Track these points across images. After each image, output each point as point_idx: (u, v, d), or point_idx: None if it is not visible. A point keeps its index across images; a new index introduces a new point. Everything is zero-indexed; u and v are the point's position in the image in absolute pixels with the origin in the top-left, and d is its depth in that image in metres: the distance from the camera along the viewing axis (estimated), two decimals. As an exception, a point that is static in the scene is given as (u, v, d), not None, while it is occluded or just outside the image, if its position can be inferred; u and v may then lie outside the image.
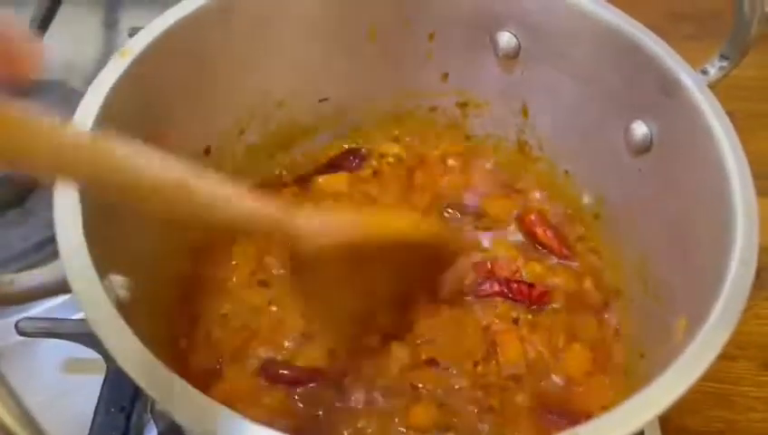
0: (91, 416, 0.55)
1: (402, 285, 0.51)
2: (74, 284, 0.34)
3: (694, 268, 0.44)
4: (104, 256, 0.36)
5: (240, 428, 0.30)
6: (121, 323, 0.33)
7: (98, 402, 0.56)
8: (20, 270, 0.58)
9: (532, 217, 0.60)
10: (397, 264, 0.47)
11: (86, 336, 0.54)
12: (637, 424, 0.32)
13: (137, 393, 0.57)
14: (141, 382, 0.31)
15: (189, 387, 0.31)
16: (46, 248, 0.63)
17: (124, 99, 0.44)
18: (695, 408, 0.60)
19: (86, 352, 0.56)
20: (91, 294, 0.34)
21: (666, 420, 0.57)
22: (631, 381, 0.50)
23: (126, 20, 0.83)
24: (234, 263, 0.57)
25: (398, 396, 0.49)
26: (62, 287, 0.36)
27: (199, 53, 0.51)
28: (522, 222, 0.61)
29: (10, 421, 0.24)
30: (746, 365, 0.63)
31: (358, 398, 0.49)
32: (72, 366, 0.59)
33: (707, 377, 0.61)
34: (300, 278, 0.46)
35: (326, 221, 0.43)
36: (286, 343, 0.52)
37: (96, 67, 0.76)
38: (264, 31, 0.55)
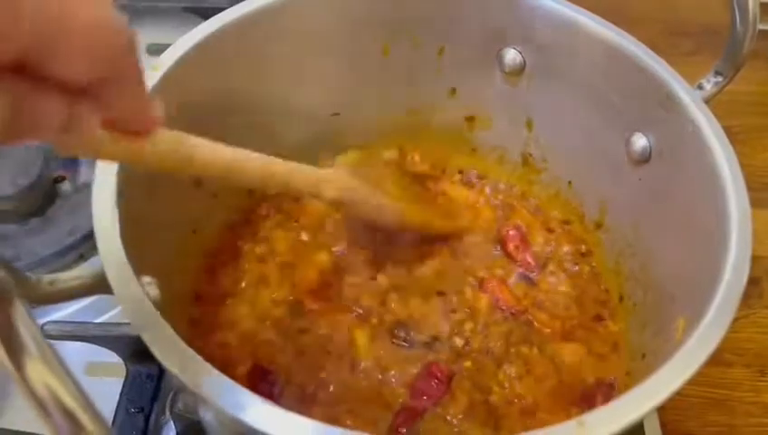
0: (112, 417, 0.57)
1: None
2: (113, 282, 0.36)
3: (691, 274, 0.46)
4: (138, 257, 0.38)
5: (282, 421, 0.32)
6: (160, 319, 0.35)
7: (118, 404, 0.58)
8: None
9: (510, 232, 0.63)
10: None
11: (108, 339, 0.57)
12: (635, 415, 0.34)
13: (156, 394, 0.59)
14: (184, 377, 0.33)
15: (225, 377, 0.33)
16: (67, 256, 0.66)
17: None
18: (694, 413, 0.62)
19: (107, 355, 0.58)
20: (129, 292, 0.36)
21: (666, 424, 0.59)
22: (634, 380, 0.52)
23: (142, 36, 0.84)
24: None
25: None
26: (99, 286, 0.38)
27: (219, 71, 0.54)
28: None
29: (71, 403, 0.26)
30: (744, 371, 0.65)
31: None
32: (94, 369, 0.61)
33: (707, 383, 0.63)
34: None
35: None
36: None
37: None
38: (280, 47, 0.58)
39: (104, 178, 0.41)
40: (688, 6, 0.92)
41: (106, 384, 0.59)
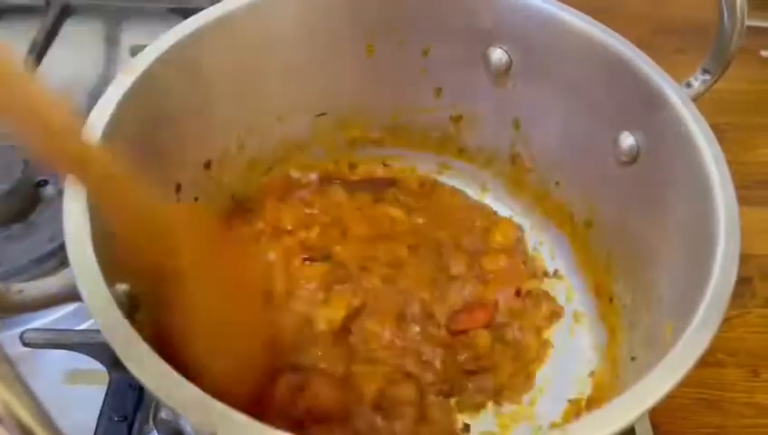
0: (94, 426, 0.56)
1: None
2: (84, 291, 0.35)
3: (679, 274, 0.46)
4: (111, 265, 0.37)
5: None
6: (130, 329, 0.34)
7: (101, 412, 0.57)
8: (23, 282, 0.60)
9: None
10: None
11: (90, 346, 0.56)
12: (626, 420, 0.33)
13: (139, 403, 0.58)
14: (152, 386, 0.32)
15: (199, 391, 0.32)
16: (49, 262, 0.64)
17: (128, 116, 0.45)
18: (686, 414, 0.61)
19: (89, 363, 0.57)
20: (99, 301, 0.35)
21: (658, 426, 0.58)
22: (623, 382, 0.51)
23: (127, 37, 0.85)
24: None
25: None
26: (70, 296, 0.37)
27: (199, 71, 0.53)
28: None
29: (28, 420, 0.25)
30: (736, 372, 0.64)
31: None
32: (75, 377, 0.60)
33: (699, 384, 0.63)
34: None
35: None
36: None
37: (98, 83, 0.80)
38: (263, 48, 0.57)
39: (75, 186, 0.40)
40: (675, 3, 0.91)
41: (88, 393, 0.58)
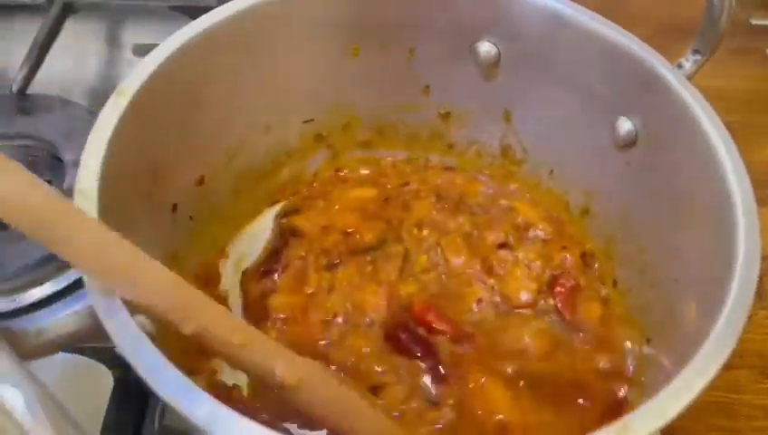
0: (99, 430, 0.54)
1: None
2: (105, 321, 0.34)
3: (695, 254, 0.46)
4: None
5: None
6: (162, 358, 0.33)
7: (105, 415, 0.55)
8: (20, 287, 0.59)
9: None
10: None
11: (96, 349, 0.55)
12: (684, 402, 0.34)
13: (144, 406, 0.56)
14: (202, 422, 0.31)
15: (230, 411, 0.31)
16: (46, 266, 0.61)
17: (126, 138, 0.44)
18: (696, 416, 0.60)
19: (94, 367, 0.56)
20: (126, 331, 0.34)
21: (667, 429, 0.58)
22: (641, 365, 0.52)
23: (129, 36, 0.83)
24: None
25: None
26: (91, 330, 0.36)
27: (188, 86, 0.51)
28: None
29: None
30: (746, 373, 0.63)
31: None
32: (81, 380, 0.58)
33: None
34: None
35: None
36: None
37: (99, 83, 0.79)
38: (248, 58, 0.55)
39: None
40: (679, 3, 0.90)
41: (93, 396, 0.56)
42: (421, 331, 0.55)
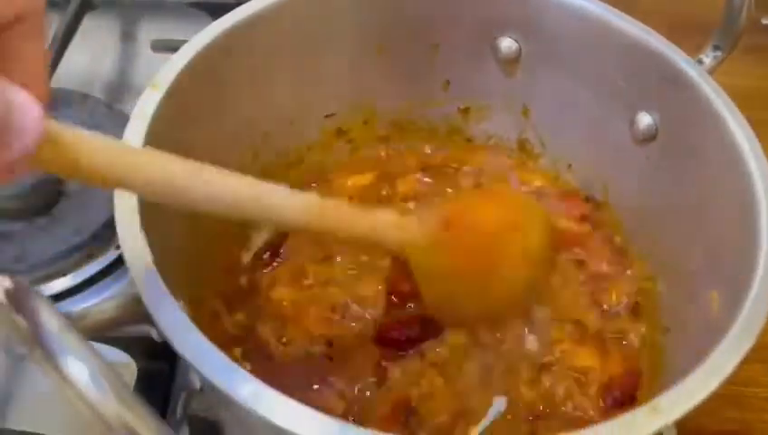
0: None
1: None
2: (152, 310, 0.35)
3: (717, 244, 0.47)
4: (174, 282, 0.37)
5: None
6: (206, 340, 0.34)
7: None
8: (48, 276, 0.61)
9: None
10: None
11: (119, 339, 0.56)
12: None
13: (168, 394, 0.58)
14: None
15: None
16: (74, 255, 0.64)
17: (160, 130, 0.45)
18: (709, 409, 0.59)
19: (118, 356, 0.57)
20: (171, 317, 0.35)
21: (681, 422, 0.59)
22: (658, 352, 0.53)
23: (146, 32, 0.84)
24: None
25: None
26: (135, 314, 0.37)
27: (220, 80, 0.52)
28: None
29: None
30: (758, 367, 0.63)
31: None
32: None
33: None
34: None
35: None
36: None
37: (117, 78, 0.80)
38: (274, 52, 0.56)
39: (123, 202, 0.40)
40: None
41: None
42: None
